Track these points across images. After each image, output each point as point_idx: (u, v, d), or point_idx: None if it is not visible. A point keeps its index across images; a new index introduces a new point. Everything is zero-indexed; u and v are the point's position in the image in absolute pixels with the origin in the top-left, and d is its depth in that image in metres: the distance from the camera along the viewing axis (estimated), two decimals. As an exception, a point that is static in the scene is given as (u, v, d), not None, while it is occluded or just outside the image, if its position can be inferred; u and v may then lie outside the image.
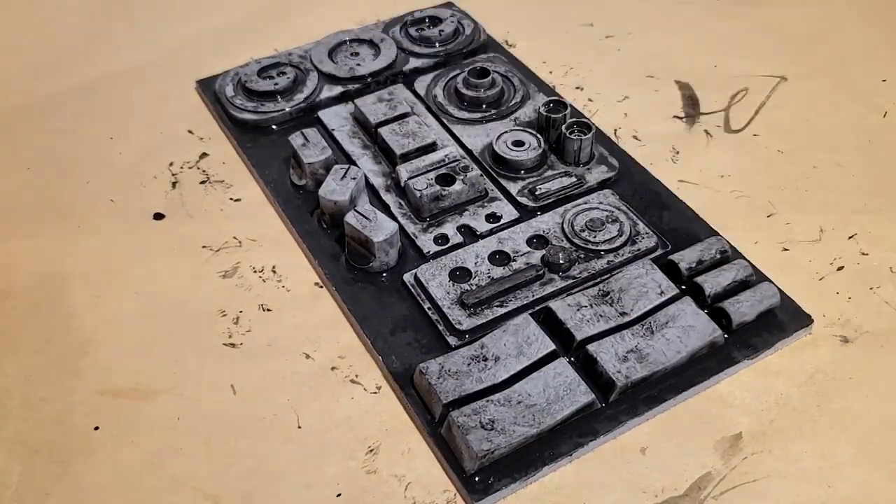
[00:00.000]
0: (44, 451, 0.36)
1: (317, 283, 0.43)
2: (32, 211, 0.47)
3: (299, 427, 0.37)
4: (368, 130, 0.49)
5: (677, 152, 0.48)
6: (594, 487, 0.34)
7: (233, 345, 0.40)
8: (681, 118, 0.51)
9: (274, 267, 0.43)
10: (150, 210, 0.47)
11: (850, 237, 0.43)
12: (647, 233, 0.42)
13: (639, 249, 0.41)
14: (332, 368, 0.39)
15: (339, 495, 0.34)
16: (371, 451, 0.36)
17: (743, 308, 0.38)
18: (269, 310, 0.41)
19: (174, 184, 0.48)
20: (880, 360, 0.38)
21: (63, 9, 0.63)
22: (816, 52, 0.55)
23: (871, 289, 0.41)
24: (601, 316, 0.38)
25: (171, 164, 0.49)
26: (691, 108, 0.52)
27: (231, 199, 0.47)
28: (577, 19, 0.59)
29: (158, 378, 0.39)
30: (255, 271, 0.43)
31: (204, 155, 0.50)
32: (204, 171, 0.49)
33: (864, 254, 0.43)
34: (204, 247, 0.44)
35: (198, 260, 0.44)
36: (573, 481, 0.34)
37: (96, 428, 0.37)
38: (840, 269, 0.42)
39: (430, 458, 0.35)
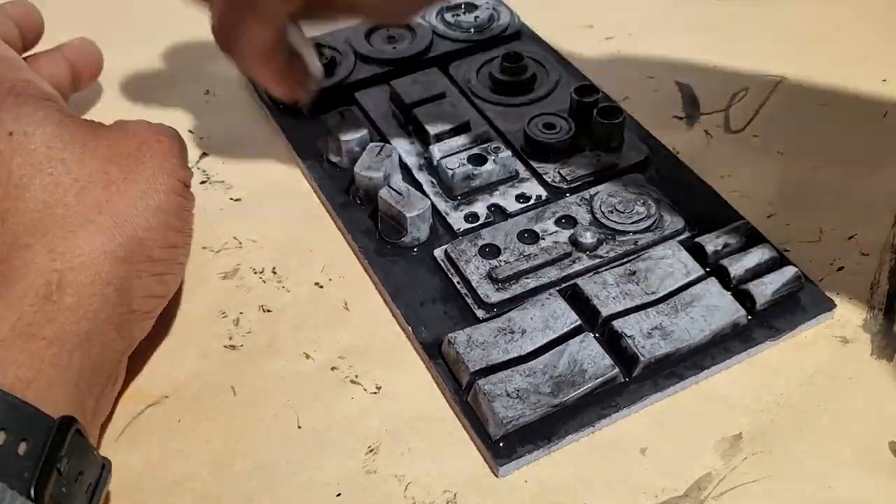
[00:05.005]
0: (44, 451, 0.36)
1: (317, 284, 0.43)
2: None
3: (299, 427, 0.37)
4: (403, 111, 0.50)
5: (677, 153, 0.48)
6: (594, 487, 0.34)
7: (233, 346, 0.40)
8: (681, 118, 0.51)
9: (274, 268, 0.43)
10: (151, 211, 0.47)
11: (850, 237, 0.43)
12: (674, 216, 0.43)
13: (665, 232, 0.42)
14: (332, 369, 0.39)
15: (338, 495, 0.34)
16: (371, 451, 0.36)
17: (766, 290, 0.39)
18: (269, 311, 0.41)
19: (174, 184, 0.48)
20: (880, 361, 0.38)
21: (63, 9, 0.63)
22: (816, 52, 0.55)
23: (870, 289, 0.41)
24: (627, 294, 0.39)
25: (171, 165, 0.49)
26: (691, 109, 0.52)
27: (231, 199, 0.47)
28: (578, 21, 0.59)
29: (159, 380, 0.39)
30: (255, 272, 0.43)
31: (204, 155, 0.50)
32: (204, 171, 0.49)
33: (864, 254, 0.43)
34: (204, 248, 0.44)
35: (198, 261, 0.44)
36: (573, 481, 0.34)
37: (96, 429, 0.37)
38: (840, 269, 0.42)
39: (431, 459, 0.35)
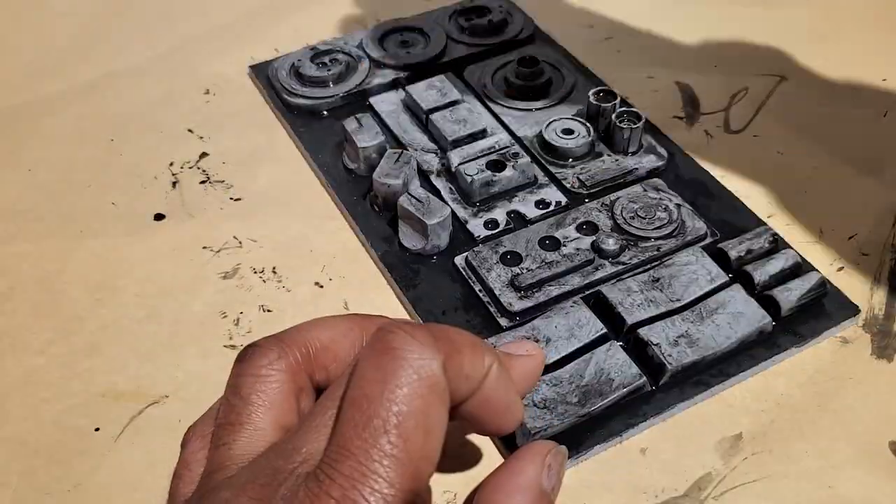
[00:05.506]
0: (44, 451, 0.36)
1: (317, 283, 0.43)
2: (34, 213, 0.47)
3: (300, 428, 0.37)
4: (419, 117, 0.50)
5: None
6: (594, 488, 0.34)
7: (233, 346, 0.40)
8: (681, 118, 0.51)
9: (274, 268, 0.43)
10: (150, 212, 0.47)
11: (850, 237, 0.43)
12: (695, 221, 0.43)
13: (688, 238, 0.42)
14: (333, 369, 0.39)
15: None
16: (371, 451, 0.36)
17: (791, 296, 0.39)
18: (269, 311, 0.41)
19: (174, 184, 0.48)
20: (880, 361, 0.38)
21: (63, 9, 0.63)
22: (816, 52, 0.55)
23: (870, 289, 0.41)
24: (651, 301, 0.38)
25: (171, 164, 0.49)
26: (691, 108, 0.52)
27: (231, 198, 0.47)
28: (577, 21, 0.59)
29: (159, 380, 0.39)
30: (255, 272, 0.43)
31: (204, 155, 0.50)
32: (204, 171, 0.49)
33: (864, 254, 0.43)
34: (204, 248, 0.44)
35: (198, 261, 0.44)
36: (573, 482, 0.34)
37: (97, 429, 0.37)
38: (840, 269, 0.42)
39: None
